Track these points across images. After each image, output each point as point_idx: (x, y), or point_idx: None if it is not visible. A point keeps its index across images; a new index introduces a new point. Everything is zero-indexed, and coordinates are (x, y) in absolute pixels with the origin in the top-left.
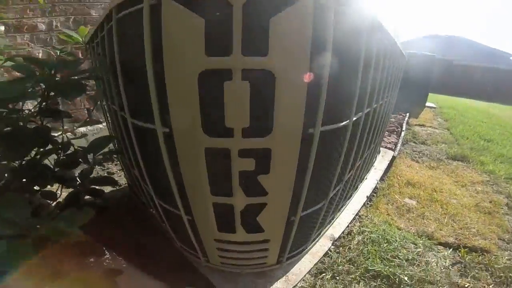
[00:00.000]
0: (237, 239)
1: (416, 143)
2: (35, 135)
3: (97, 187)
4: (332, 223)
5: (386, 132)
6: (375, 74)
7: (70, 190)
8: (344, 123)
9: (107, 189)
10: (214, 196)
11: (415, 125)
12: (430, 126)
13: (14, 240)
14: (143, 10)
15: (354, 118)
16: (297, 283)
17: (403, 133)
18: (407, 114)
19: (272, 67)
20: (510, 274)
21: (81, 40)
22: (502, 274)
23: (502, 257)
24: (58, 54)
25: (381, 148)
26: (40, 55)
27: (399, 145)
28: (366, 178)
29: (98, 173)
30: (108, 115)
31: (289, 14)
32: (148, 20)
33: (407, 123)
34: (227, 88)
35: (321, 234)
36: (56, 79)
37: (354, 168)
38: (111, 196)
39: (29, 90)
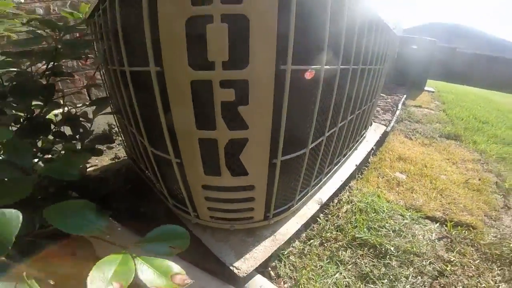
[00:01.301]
0: (223, 183)
1: (410, 121)
2: (42, 88)
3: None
4: (320, 187)
5: (381, 110)
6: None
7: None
8: (314, 66)
9: (106, 161)
10: (199, 130)
11: (412, 106)
12: (426, 108)
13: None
14: None
15: (326, 67)
16: (284, 242)
17: (398, 112)
18: (404, 95)
19: (246, 12)
20: (496, 251)
21: (81, 16)
22: (487, 251)
23: (488, 234)
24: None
25: (374, 123)
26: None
27: (392, 121)
28: (356, 148)
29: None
30: (106, 79)
31: None
32: None
33: (404, 103)
34: (209, 29)
35: (308, 194)
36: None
37: (336, 125)
38: (109, 168)
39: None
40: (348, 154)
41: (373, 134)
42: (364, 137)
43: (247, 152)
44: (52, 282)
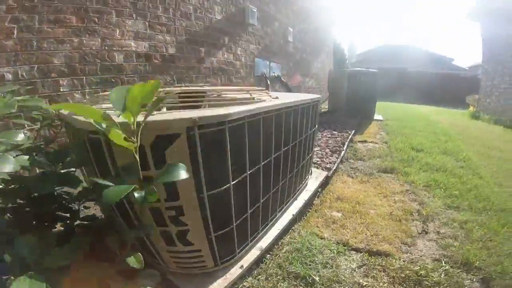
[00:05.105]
0: (179, 249)
1: (354, 160)
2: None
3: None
4: (261, 237)
5: (329, 152)
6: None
7: None
8: (224, 187)
9: None
10: (159, 227)
11: (358, 141)
12: (371, 142)
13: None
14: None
15: (233, 182)
16: (234, 280)
17: (343, 153)
18: (353, 131)
19: None
20: (402, 274)
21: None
22: (394, 275)
23: (399, 259)
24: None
25: (318, 170)
26: None
27: (335, 164)
28: (296, 199)
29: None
30: None
31: None
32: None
33: (351, 140)
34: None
35: (248, 246)
36: None
37: (259, 201)
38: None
39: None
40: (284, 208)
41: (314, 182)
42: (306, 185)
43: (191, 234)
44: None
